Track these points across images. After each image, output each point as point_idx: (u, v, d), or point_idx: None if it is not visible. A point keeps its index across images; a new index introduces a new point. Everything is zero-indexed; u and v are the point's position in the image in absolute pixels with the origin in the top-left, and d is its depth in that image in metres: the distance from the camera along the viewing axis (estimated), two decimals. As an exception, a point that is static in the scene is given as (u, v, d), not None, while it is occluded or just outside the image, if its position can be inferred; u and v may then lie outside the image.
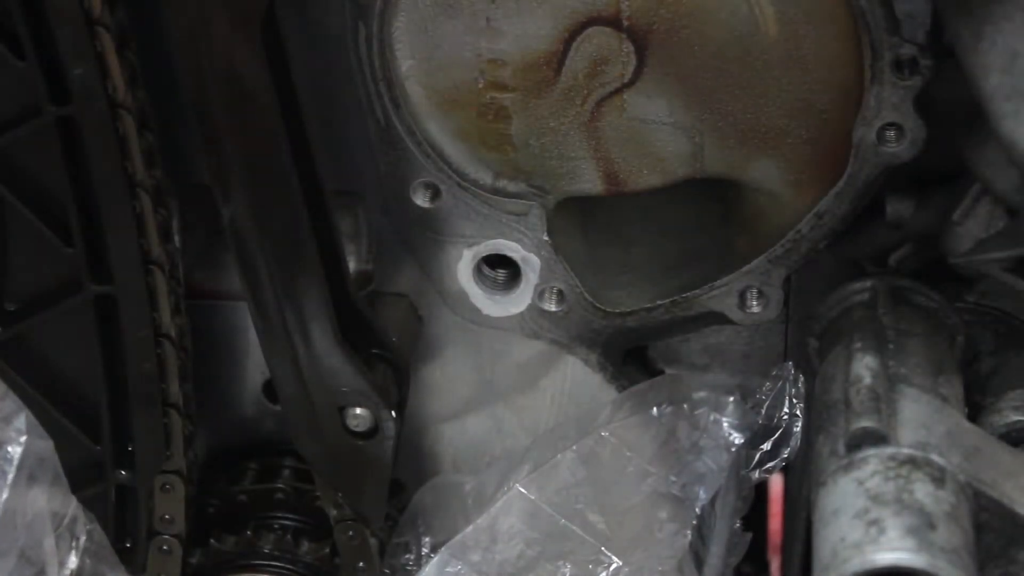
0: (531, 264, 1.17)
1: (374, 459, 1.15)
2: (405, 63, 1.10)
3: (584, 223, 1.21)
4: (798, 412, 1.16)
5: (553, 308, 1.19)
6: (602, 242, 1.23)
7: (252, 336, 1.13)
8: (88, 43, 0.99)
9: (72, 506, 1.15)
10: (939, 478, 0.92)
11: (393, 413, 1.13)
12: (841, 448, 0.96)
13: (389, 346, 1.15)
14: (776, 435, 1.17)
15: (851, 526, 0.91)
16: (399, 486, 1.26)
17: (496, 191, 1.15)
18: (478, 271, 1.19)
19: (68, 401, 1.14)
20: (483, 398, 1.27)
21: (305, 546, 1.23)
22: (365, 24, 1.07)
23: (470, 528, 1.16)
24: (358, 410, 1.12)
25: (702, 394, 1.17)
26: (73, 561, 1.16)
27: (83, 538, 1.16)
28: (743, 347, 1.26)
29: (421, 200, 1.15)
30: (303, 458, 1.19)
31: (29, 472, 1.13)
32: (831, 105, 1.08)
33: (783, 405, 1.17)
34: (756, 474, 1.17)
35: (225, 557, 1.24)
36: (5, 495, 1.13)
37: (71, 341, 1.13)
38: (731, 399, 1.17)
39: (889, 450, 0.94)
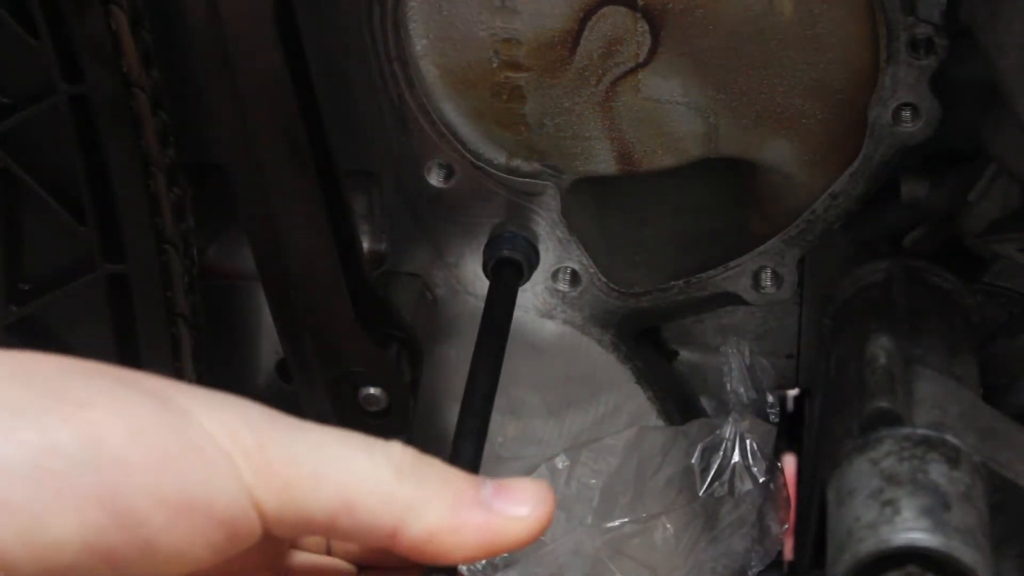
0: (545, 244, 1.17)
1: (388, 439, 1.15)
2: (419, 42, 1.10)
3: (598, 203, 1.21)
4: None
5: (567, 288, 1.19)
6: (616, 222, 1.23)
7: (266, 316, 1.13)
8: (102, 21, 0.99)
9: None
10: (954, 458, 0.92)
11: (407, 393, 1.13)
12: (855, 428, 0.96)
13: (403, 326, 1.15)
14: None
15: (866, 506, 0.91)
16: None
17: (510, 171, 1.15)
18: (491, 251, 1.19)
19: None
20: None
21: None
22: (379, 3, 1.07)
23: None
24: (372, 390, 1.12)
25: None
26: None
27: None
28: (757, 328, 1.26)
29: (435, 180, 1.15)
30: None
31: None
32: (846, 85, 1.08)
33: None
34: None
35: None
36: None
37: (84, 320, 1.13)
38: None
39: (904, 430, 0.94)
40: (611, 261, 1.20)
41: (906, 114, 1.06)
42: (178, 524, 0.55)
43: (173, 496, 0.55)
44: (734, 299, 1.18)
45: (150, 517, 0.55)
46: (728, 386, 1.22)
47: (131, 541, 0.55)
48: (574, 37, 1.08)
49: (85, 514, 0.54)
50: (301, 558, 0.69)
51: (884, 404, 0.94)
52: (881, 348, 0.99)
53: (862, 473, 0.93)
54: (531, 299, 1.20)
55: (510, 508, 0.62)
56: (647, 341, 1.28)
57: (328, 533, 0.60)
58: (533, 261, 1.16)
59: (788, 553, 1.24)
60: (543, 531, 0.63)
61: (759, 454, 1.19)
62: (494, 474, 1.24)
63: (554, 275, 1.19)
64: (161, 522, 0.55)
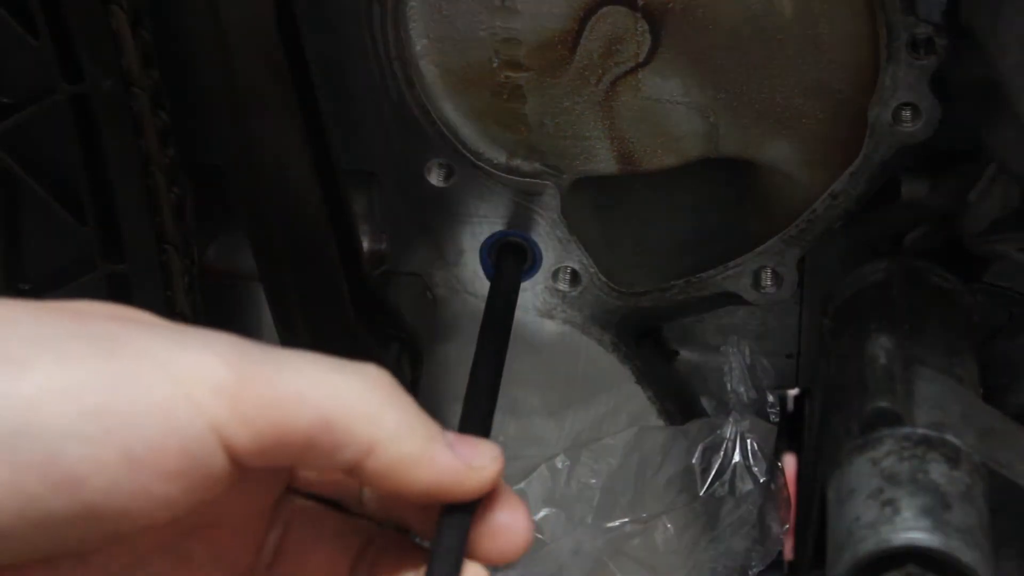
0: (545, 244, 1.17)
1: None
2: (419, 42, 1.10)
3: (598, 203, 1.21)
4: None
5: (567, 288, 1.19)
6: (616, 222, 1.23)
7: (266, 315, 1.13)
8: (102, 21, 0.99)
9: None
10: (954, 458, 0.92)
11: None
12: (855, 428, 0.95)
13: (402, 326, 1.15)
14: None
15: (866, 506, 0.91)
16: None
17: (510, 171, 1.15)
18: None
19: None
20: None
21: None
22: (379, 3, 1.07)
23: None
24: (371, 390, 1.12)
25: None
26: None
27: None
28: (757, 327, 1.26)
29: (435, 180, 1.15)
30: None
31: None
32: (846, 85, 1.08)
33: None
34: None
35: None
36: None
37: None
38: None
39: (904, 430, 0.94)
40: (611, 261, 1.20)
41: (906, 114, 1.06)
42: (122, 485, 0.55)
43: (114, 458, 0.54)
44: (734, 299, 1.18)
45: (89, 482, 0.54)
46: (728, 386, 1.22)
47: (70, 507, 0.54)
48: (574, 37, 1.08)
49: (19, 483, 0.53)
50: (294, 505, 0.68)
51: (884, 404, 0.94)
52: (881, 348, 0.98)
53: (862, 473, 0.93)
54: (531, 299, 1.20)
55: (471, 457, 0.63)
56: (647, 341, 1.28)
57: (303, 457, 0.59)
58: (535, 248, 1.16)
59: (788, 553, 1.24)
60: (492, 488, 0.64)
61: (760, 454, 1.19)
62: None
63: (554, 275, 1.19)
64: (102, 485, 0.54)
